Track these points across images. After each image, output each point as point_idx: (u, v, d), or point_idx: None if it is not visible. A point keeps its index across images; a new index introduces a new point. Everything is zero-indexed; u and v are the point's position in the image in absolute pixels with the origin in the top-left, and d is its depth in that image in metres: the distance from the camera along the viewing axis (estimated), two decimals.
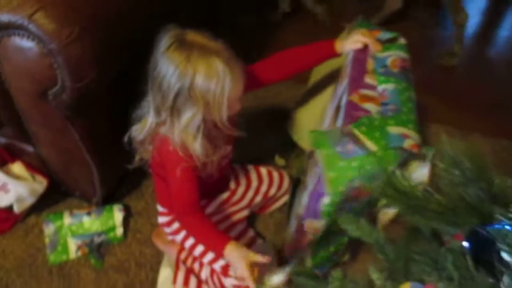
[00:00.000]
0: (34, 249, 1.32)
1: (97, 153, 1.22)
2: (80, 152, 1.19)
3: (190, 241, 1.20)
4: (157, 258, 1.31)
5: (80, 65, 0.97)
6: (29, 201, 1.32)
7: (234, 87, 0.94)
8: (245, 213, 1.32)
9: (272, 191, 1.37)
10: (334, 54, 1.17)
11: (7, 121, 1.21)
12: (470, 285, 0.46)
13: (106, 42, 1.00)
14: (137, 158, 1.12)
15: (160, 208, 1.25)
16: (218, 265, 1.16)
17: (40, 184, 1.33)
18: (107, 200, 1.40)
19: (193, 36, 0.94)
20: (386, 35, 1.16)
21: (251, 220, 1.39)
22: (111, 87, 1.12)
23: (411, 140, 0.88)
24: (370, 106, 0.98)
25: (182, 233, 1.21)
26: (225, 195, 1.31)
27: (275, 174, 1.40)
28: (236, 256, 0.95)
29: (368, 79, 1.08)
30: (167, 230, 1.25)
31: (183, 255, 1.25)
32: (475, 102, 1.87)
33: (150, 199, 1.45)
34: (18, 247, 1.32)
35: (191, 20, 0.97)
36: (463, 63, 2.18)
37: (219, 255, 1.02)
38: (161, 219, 1.26)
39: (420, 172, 0.83)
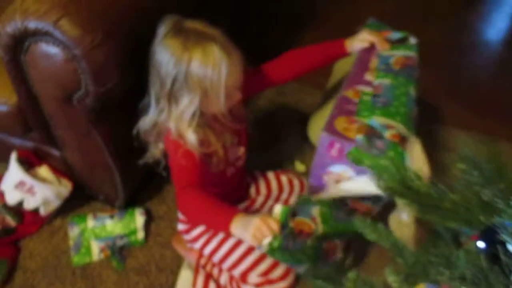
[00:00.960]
0: (59, 251, 1.36)
1: (119, 157, 1.24)
2: (103, 155, 1.21)
3: (209, 248, 1.19)
4: (177, 261, 1.32)
5: (103, 70, 0.99)
6: (55, 204, 1.36)
7: (231, 74, 0.94)
8: None
9: (292, 199, 1.36)
10: (344, 53, 1.16)
11: (34, 126, 1.25)
12: (484, 284, 0.45)
13: (129, 47, 1.02)
14: (149, 153, 1.11)
15: (180, 216, 1.27)
16: (237, 271, 1.15)
17: (66, 188, 1.37)
18: (130, 203, 1.42)
19: (190, 23, 0.95)
20: (396, 35, 1.16)
21: None
22: (133, 91, 1.15)
23: (393, 131, 0.87)
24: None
25: (201, 240, 1.21)
26: (244, 204, 1.31)
27: (296, 182, 1.39)
28: (245, 229, 0.85)
29: (368, 76, 1.07)
30: (186, 237, 1.26)
31: (203, 260, 1.26)
32: (502, 108, 1.82)
33: (171, 203, 1.46)
34: (44, 249, 1.36)
35: (216, 23, 0.98)
36: (490, 69, 2.13)
37: (225, 232, 0.90)
38: (181, 226, 1.26)
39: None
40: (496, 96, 1.91)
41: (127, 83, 1.07)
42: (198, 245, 1.22)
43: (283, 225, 0.83)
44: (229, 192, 1.24)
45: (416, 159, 0.89)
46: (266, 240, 0.82)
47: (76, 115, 1.11)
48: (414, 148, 0.90)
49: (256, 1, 1.79)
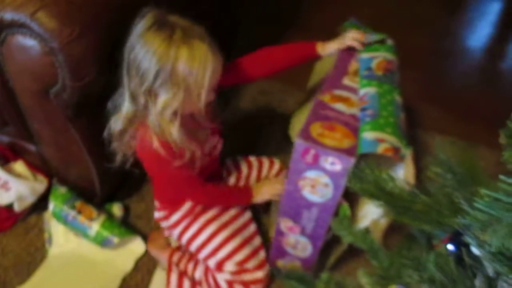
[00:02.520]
0: (33, 248, 1.33)
1: (97, 154, 1.22)
2: (80, 152, 1.19)
3: (188, 234, 1.19)
4: (154, 261, 1.30)
5: (80, 64, 0.97)
6: (30, 200, 1.33)
7: (215, 74, 0.93)
8: None
9: (264, 172, 1.37)
10: (315, 55, 1.14)
11: (10, 120, 1.23)
12: (452, 286, 0.45)
13: (107, 42, 1.01)
14: (119, 155, 1.08)
15: (156, 203, 1.25)
16: (214, 260, 1.16)
17: (41, 184, 1.34)
18: (108, 201, 1.40)
19: (174, 18, 0.92)
20: (374, 37, 1.16)
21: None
22: (112, 87, 1.13)
23: (386, 144, 0.87)
24: (340, 106, 0.98)
25: (181, 226, 1.20)
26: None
27: (264, 159, 1.40)
28: (265, 191, 1.20)
29: (347, 81, 1.07)
30: (165, 224, 1.24)
31: (175, 258, 1.25)
32: (483, 114, 1.85)
33: (151, 202, 1.44)
34: (18, 246, 1.33)
35: (200, 20, 0.97)
36: (472, 75, 2.16)
37: (248, 202, 1.22)
38: (158, 214, 1.25)
39: (396, 173, 0.82)
40: (477, 102, 1.94)
41: (105, 78, 1.05)
42: (177, 231, 1.21)
43: None
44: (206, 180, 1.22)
45: (407, 170, 0.90)
46: None
47: (53, 110, 1.09)
48: (407, 161, 0.91)
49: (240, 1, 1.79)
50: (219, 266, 1.15)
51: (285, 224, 1.10)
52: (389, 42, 1.17)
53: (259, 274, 1.17)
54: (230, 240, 1.16)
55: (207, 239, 1.16)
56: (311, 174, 0.93)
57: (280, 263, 1.23)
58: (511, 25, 2.59)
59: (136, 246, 1.33)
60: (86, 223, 1.27)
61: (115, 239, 1.27)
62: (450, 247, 0.49)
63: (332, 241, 1.17)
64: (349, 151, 0.87)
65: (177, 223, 1.20)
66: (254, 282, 1.16)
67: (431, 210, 0.49)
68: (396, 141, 0.89)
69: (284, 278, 0.80)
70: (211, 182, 1.18)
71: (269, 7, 2.36)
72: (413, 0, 2.54)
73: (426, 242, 0.77)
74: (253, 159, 1.39)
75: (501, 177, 0.35)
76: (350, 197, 1.03)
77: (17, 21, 0.93)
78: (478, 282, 0.43)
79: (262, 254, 1.21)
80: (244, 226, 1.25)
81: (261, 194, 1.20)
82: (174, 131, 0.97)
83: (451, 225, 0.47)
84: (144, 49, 0.89)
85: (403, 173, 0.83)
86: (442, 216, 0.49)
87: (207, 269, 1.20)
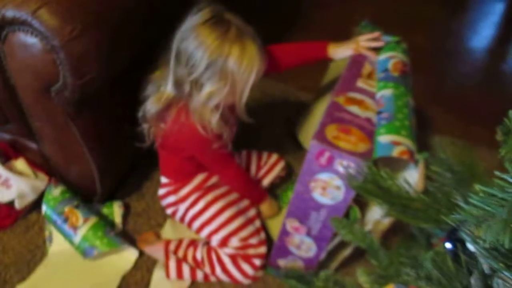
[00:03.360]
0: (34, 245, 1.33)
1: (98, 152, 1.22)
2: (81, 150, 1.19)
3: (195, 209, 1.24)
4: (154, 260, 1.30)
5: (81, 62, 0.97)
6: (31, 197, 1.33)
7: (258, 73, 0.98)
8: None
9: (264, 159, 1.43)
10: (325, 57, 1.17)
11: (12, 117, 1.23)
12: (449, 283, 0.45)
13: (109, 39, 1.01)
14: (150, 136, 1.15)
15: (164, 180, 1.29)
16: (219, 236, 1.20)
17: (42, 181, 1.34)
18: (108, 199, 1.41)
19: (230, 15, 0.97)
20: (389, 38, 1.16)
21: None
22: (114, 85, 1.13)
23: (402, 147, 0.86)
24: (355, 109, 0.98)
25: (189, 200, 1.25)
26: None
27: (264, 152, 1.46)
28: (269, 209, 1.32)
29: (361, 83, 1.07)
30: (171, 199, 1.27)
31: (172, 246, 1.26)
32: (484, 115, 1.84)
33: (150, 200, 1.45)
34: (18, 243, 1.33)
35: None
36: (474, 76, 2.16)
37: (254, 203, 1.30)
38: (164, 190, 1.29)
39: (410, 177, 0.82)
40: (479, 103, 1.94)
41: (107, 76, 1.05)
42: (184, 206, 1.25)
43: None
44: None
45: (421, 175, 0.90)
46: None
47: (54, 108, 1.09)
48: (421, 165, 0.91)
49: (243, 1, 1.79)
50: (224, 242, 1.20)
51: (291, 224, 1.09)
52: (403, 44, 1.17)
53: (262, 249, 1.22)
54: (237, 218, 1.22)
55: (214, 214, 1.21)
56: (323, 176, 0.93)
57: (282, 262, 1.24)
58: None
59: (128, 254, 1.31)
60: (72, 230, 1.27)
61: (95, 251, 1.25)
62: (448, 245, 0.49)
63: (338, 246, 1.17)
64: (364, 155, 0.87)
65: (186, 197, 1.25)
66: (257, 256, 1.20)
67: (429, 208, 0.49)
68: (411, 144, 0.89)
69: (283, 277, 0.80)
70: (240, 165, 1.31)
71: (269, 7, 2.36)
72: (415, 0, 2.54)
73: (425, 241, 0.77)
74: (253, 151, 1.44)
75: (496, 172, 0.35)
76: (359, 201, 1.03)
77: (19, 19, 0.93)
78: (473, 279, 0.43)
79: (262, 234, 1.26)
80: (247, 208, 1.29)
81: (269, 207, 1.33)
82: (213, 120, 1.03)
83: (448, 223, 0.47)
84: (197, 41, 0.94)
85: (415, 177, 0.83)
86: (440, 214, 0.49)
87: (209, 247, 1.23)
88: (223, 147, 1.13)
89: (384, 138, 0.89)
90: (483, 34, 2.49)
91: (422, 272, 0.48)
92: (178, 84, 1.01)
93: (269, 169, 1.43)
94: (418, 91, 1.81)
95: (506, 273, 0.37)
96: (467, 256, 0.44)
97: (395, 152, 0.85)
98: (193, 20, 0.96)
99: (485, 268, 0.43)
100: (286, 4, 2.45)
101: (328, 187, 0.94)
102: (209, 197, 1.24)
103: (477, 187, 0.37)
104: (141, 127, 1.14)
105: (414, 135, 0.92)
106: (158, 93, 1.06)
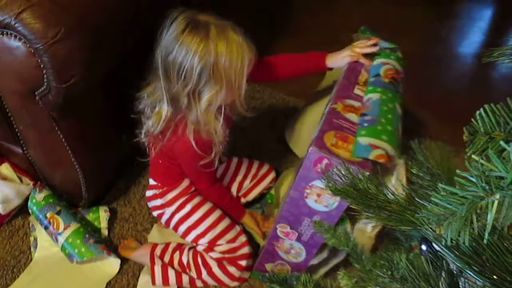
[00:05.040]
0: (18, 251, 1.31)
1: (84, 157, 1.22)
2: (66, 154, 1.18)
3: (182, 213, 1.24)
4: (139, 265, 1.29)
5: (65, 65, 0.97)
6: (16, 202, 1.32)
7: (250, 62, 0.98)
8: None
9: (253, 170, 1.43)
10: (323, 67, 1.17)
11: None
12: (426, 284, 0.45)
13: (93, 42, 1.00)
14: (152, 151, 1.16)
15: (152, 181, 1.28)
16: (207, 238, 1.22)
17: (27, 186, 1.33)
18: (95, 204, 1.40)
19: (204, 16, 0.96)
20: (385, 44, 1.16)
21: None
22: (99, 88, 1.13)
23: (380, 151, 0.87)
24: (352, 116, 0.98)
25: (176, 204, 1.25)
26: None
27: (255, 161, 1.46)
28: (250, 223, 1.33)
29: (358, 91, 1.07)
30: (157, 202, 1.27)
31: (158, 250, 1.26)
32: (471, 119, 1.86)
33: (137, 205, 1.44)
34: (2, 249, 1.31)
35: None
36: (462, 81, 2.18)
37: (237, 218, 1.32)
38: (151, 192, 1.28)
39: (389, 181, 0.82)
40: (467, 108, 1.94)
41: (91, 79, 1.05)
42: (170, 210, 1.25)
43: None
44: None
45: (399, 180, 0.90)
46: None
47: (39, 112, 1.08)
48: (399, 170, 0.91)
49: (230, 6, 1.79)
50: (210, 246, 1.21)
51: (281, 229, 1.09)
52: (399, 53, 1.17)
53: (246, 249, 1.23)
54: (221, 220, 1.24)
55: (200, 217, 1.23)
56: (319, 183, 0.92)
57: (269, 265, 1.23)
58: (502, 31, 2.62)
59: (113, 260, 1.29)
60: (54, 236, 1.27)
61: (74, 259, 1.24)
62: (423, 247, 0.49)
63: (330, 254, 1.17)
64: (361, 164, 0.87)
65: (173, 201, 1.25)
66: (241, 257, 1.21)
67: (405, 210, 0.49)
68: (391, 149, 0.89)
69: (267, 281, 0.80)
70: (221, 183, 1.32)
71: (259, 12, 2.36)
72: (403, 5, 2.55)
73: (408, 244, 0.77)
74: (244, 158, 1.45)
75: (457, 171, 0.35)
76: (352, 214, 1.03)
77: (2, 22, 0.93)
78: (442, 278, 0.43)
79: (243, 237, 1.26)
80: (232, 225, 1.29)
81: (250, 220, 1.34)
82: (218, 127, 1.03)
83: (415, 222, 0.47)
84: (183, 51, 0.93)
85: (394, 182, 0.83)
86: (415, 216, 0.49)
87: (195, 251, 1.24)
88: (210, 165, 1.13)
89: (363, 140, 0.89)
90: (471, 39, 2.51)
91: (397, 274, 0.48)
92: (174, 101, 1.01)
93: (260, 179, 1.43)
94: (407, 95, 1.84)
95: (469, 272, 0.37)
96: (435, 257, 0.44)
97: (372, 155, 0.85)
98: (171, 32, 0.94)
99: (454, 267, 0.43)
100: (276, 10, 2.46)
101: (323, 194, 0.94)
102: (195, 200, 1.25)
103: (440, 185, 0.37)
104: (139, 140, 1.14)
105: (398, 141, 0.92)
106: (157, 114, 1.05)
